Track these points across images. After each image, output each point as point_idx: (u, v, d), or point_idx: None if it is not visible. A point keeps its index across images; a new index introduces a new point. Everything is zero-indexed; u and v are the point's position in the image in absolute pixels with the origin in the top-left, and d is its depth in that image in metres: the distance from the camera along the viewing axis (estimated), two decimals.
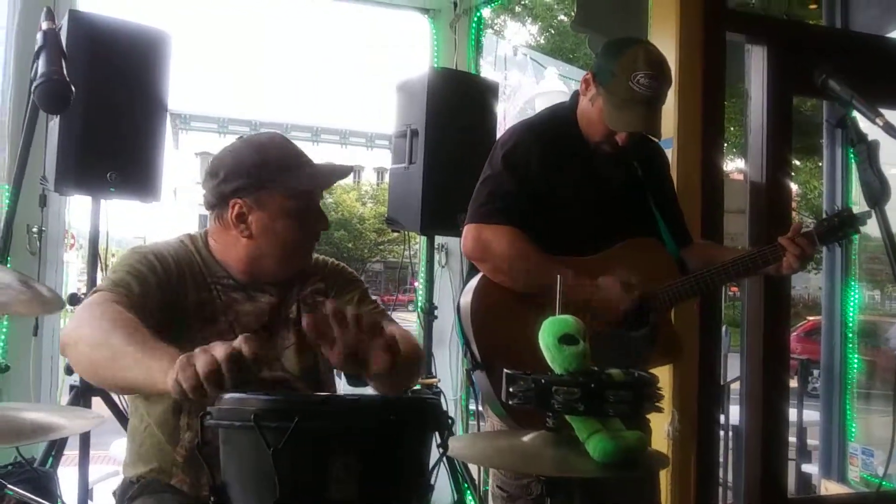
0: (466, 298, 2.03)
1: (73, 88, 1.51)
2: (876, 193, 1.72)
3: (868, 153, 1.69)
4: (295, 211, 1.64)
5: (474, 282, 2.04)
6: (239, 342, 1.13)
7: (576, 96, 2.12)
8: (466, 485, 3.16)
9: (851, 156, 1.73)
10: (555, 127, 2.11)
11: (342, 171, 1.70)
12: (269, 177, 1.62)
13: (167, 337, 1.47)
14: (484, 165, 2.08)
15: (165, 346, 1.30)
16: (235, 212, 1.62)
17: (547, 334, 1.30)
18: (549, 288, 1.79)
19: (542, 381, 1.21)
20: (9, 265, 1.82)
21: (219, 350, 1.13)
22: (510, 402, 1.25)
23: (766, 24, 3.27)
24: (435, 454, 1.10)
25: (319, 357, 1.62)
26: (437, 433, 1.09)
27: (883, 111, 1.73)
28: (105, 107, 2.62)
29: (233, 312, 1.63)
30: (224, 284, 1.65)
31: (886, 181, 1.73)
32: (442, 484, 3.21)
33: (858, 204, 2.35)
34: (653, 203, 2.13)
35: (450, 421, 1.09)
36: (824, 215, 2.08)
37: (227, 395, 1.06)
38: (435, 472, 1.09)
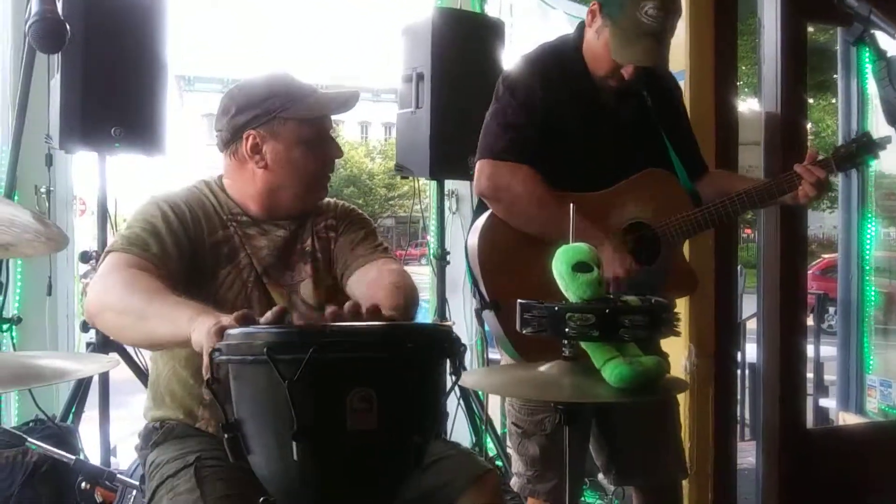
0: (473, 238, 2.02)
1: (69, 27, 1.49)
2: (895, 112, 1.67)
3: (889, 69, 1.65)
4: (308, 138, 1.65)
5: (481, 221, 2.01)
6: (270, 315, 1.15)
7: (581, 28, 2.05)
8: (484, 427, 3.18)
9: (872, 73, 1.67)
10: (559, 60, 2.05)
11: (349, 96, 1.70)
12: (280, 105, 1.63)
13: (193, 279, 1.55)
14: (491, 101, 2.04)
15: (185, 300, 1.35)
16: (250, 143, 1.64)
17: (561, 262, 1.28)
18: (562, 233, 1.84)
19: (556, 308, 1.20)
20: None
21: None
22: (524, 331, 1.24)
23: None
24: (453, 381, 1.09)
25: (337, 289, 1.67)
26: (449, 361, 1.08)
27: None
28: (106, 63, 2.61)
29: (251, 247, 1.65)
30: (239, 221, 1.67)
31: None
32: (461, 426, 3.23)
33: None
34: (664, 134, 2.07)
35: (462, 348, 1.08)
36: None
37: (236, 330, 1.05)
38: (447, 399, 1.09)
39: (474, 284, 2.02)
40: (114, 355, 2.35)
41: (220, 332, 1.11)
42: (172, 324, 1.29)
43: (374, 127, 33.35)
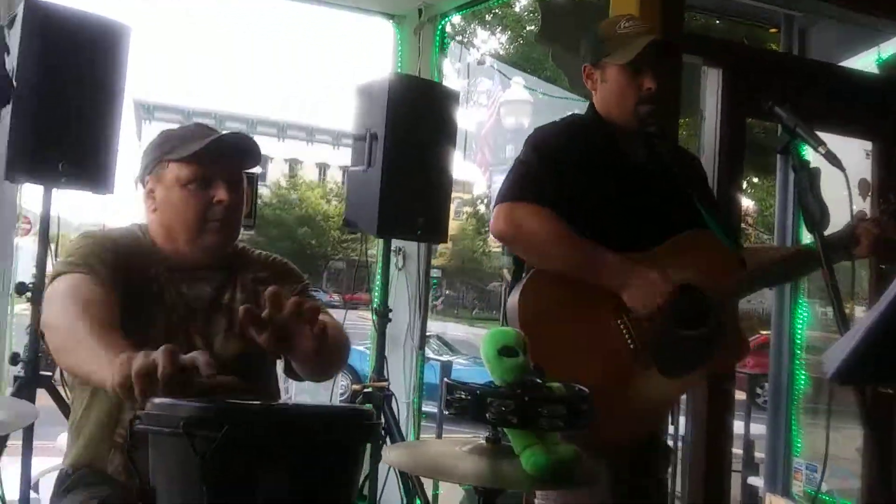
0: (514, 298, 1.92)
1: (14, 83, 1.51)
2: (816, 220, 1.75)
3: (809, 180, 1.73)
4: (187, 179, 1.65)
5: (524, 281, 1.94)
6: (192, 358, 1.13)
7: (592, 107, 2.09)
8: (414, 488, 3.16)
9: (794, 182, 1.76)
10: (579, 124, 2.08)
11: (233, 140, 1.68)
12: (168, 149, 1.67)
13: (122, 314, 1.53)
14: (445, 173, 2.07)
15: (122, 340, 1.34)
16: (147, 188, 1.69)
17: (487, 345, 1.31)
18: (594, 270, 1.85)
19: (478, 391, 1.22)
20: None
21: (160, 356, 1.12)
22: (447, 412, 1.26)
23: (721, 48, 3.35)
24: (370, 466, 1.11)
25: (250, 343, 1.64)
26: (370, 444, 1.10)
27: (834, 136, 1.77)
28: (60, 98, 2.58)
29: (177, 291, 1.66)
30: (166, 266, 1.68)
31: (826, 208, 1.75)
32: (391, 487, 3.21)
33: None
34: (699, 202, 2.05)
35: (382, 432, 1.10)
36: (775, 232, 2.14)
37: (158, 400, 1.05)
38: (366, 482, 1.10)
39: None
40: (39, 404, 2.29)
41: (127, 369, 1.11)
42: (99, 363, 1.27)
43: (333, 170, 33.41)
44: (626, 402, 1.86)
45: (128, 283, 1.59)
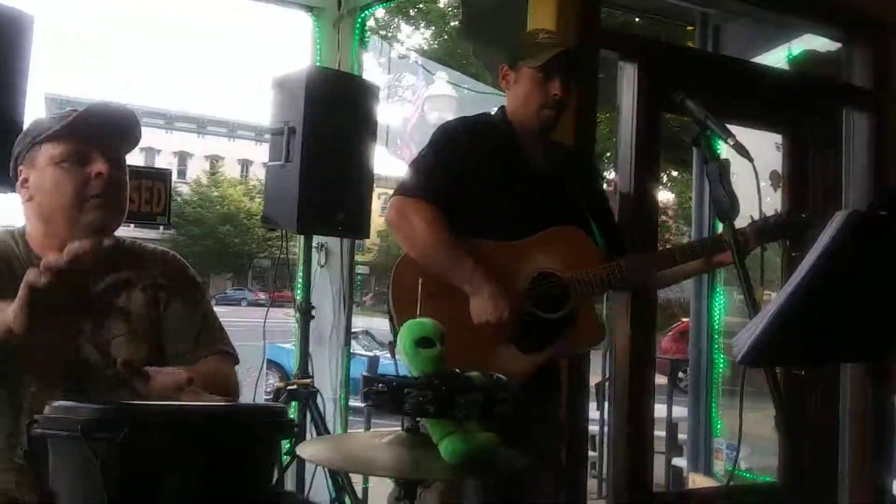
0: (392, 274, 2.12)
1: None
2: (726, 210, 1.80)
3: (719, 171, 1.78)
4: (61, 157, 1.55)
5: (397, 262, 2.13)
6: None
7: (502, 107, 2.26)
8: (342, 482, 3.13)
9: (705, 172, 1.81)
10: (485, 121, 2.25)
11: (115, 111, 1.59)
12: (38, 133, 1.57)
13: None
14: (366, 167, 2.15)
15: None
16: (21, 179, 1.58)
17: (405, 337, 1.30)
18: (454, 276, 2.02)
19: (395, 383, 1.21)
20: None
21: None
22: (365, 404, 1.25)
23: (637, 43, 3.41)
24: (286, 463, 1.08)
25: (152, 349, 1.59)
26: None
27: (744, 129, 1.82)
28: None
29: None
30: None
31: (736, 199, 1.80)
32: (320, 482, 3.17)
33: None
34: (586, 207, 2.23)
35: (294, 427, 1.08)
36: (692, 223, 2.23)
37: (57, 403, 1.01)
38: (279, 479, 1.08)
39: (390, 321, 2.09)
40: None
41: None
42: None
43: (256, 166, 32.81)
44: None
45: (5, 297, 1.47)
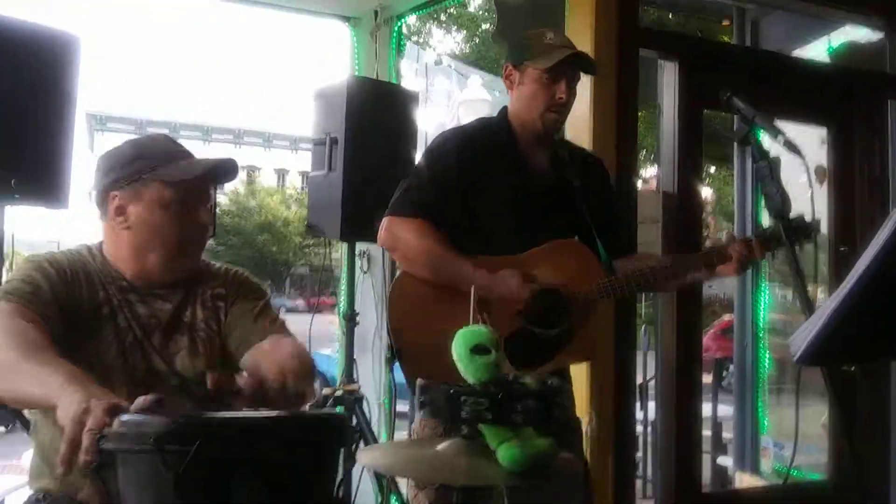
0: (389, 291, 2.13)
1: None
2: (778, 207, 1.79)
3: (770, 170, 1.77)
4: (171, 201, 1.61)
5: (394, 280, 2.14)
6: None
7: (504, 109, 2.20)
8: (389, 487, 3.15)
9: (756, 171, 1.80)
10: (483, 129, 2.19)
11: (224, 164, 1.67)
12: (145, 167, 1.61)
13: (70, 338, 1.50)
14: (405, 173, 2.16)
15: (61, 362, 1.31)
16: (115, 204, 1.61)
17: (459, 345, 1.31)
18: (458, 281, 1.96)
19: (451, 391, 1.22)
20: None
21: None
22: (420, 413, 1.26)
23: (676, 41, 3.39)
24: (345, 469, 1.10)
25: (214, 362, 1.63)
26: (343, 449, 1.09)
27: (787, 124, 1.80)
28: (11, 112, 2.51)
29: (131, 312, 1.61)
30: (119, 286, 1.63)
31: (787, 196, 1.80)
32: (366, 488, 3.19)
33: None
34: (587, 211, 2.16)
35: (356, 434, 1.09)
36: (734, 221, 2.19)
37: (125, 418, 1.03)
38: (341, 485, 1.09)
39: (388, 335, 2.08)
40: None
41: (85, 417, 1.08)
42: (42, 386, 1.24)
43: (292, 175, 33.14)
44: None
45: (74, 308, 1.55)
